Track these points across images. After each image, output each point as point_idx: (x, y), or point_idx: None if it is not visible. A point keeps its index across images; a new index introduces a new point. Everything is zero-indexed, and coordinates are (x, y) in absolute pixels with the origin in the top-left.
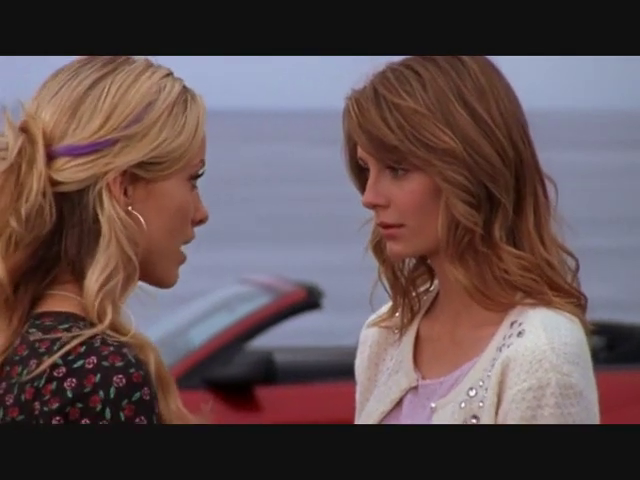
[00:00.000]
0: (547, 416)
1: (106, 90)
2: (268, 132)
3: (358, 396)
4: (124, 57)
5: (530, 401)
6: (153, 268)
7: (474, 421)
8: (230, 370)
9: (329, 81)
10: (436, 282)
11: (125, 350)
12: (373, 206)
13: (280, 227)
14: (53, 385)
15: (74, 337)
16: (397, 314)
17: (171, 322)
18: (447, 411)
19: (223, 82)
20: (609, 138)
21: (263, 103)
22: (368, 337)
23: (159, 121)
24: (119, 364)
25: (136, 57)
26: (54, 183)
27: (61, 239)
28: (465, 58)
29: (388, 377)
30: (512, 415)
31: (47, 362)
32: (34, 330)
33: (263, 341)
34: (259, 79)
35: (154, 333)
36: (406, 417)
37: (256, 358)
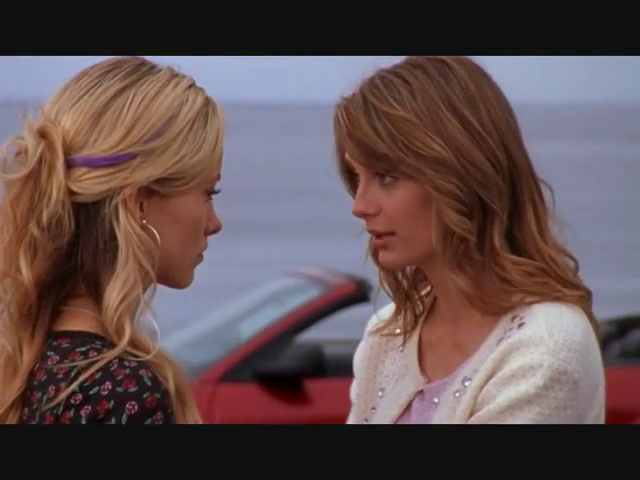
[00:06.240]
0: (525, 388)
1: (129, 102)
2: (316, 125)
3: (355, 391)
4: (149, 65)
5: (515, 371)
6: (167, 274)
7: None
8: (279, 363)
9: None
10: (428, 288)
11: (142, 372)
12: (363, 215)
13: (329, 220)
14: (71, 413)
15: (91, 363)
16: (399, 318)
17: (221, 315)
18: (444, 404)
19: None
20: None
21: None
22: (370, 338)
23: (179, 137)
24: (132, 389)
25: (160, 65)
26: (70, 193)
27: (77, 251)
28: (454, 65)
29: (395, 383)
30: (488, 387)
31: (65, 392)
32: (51, 353)
33: (312, 334)
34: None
35: (204, 326)
36: (416, 421)
37: (305, 351)
